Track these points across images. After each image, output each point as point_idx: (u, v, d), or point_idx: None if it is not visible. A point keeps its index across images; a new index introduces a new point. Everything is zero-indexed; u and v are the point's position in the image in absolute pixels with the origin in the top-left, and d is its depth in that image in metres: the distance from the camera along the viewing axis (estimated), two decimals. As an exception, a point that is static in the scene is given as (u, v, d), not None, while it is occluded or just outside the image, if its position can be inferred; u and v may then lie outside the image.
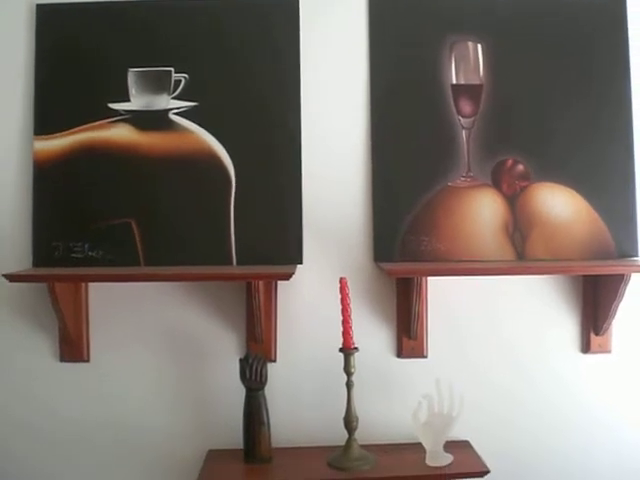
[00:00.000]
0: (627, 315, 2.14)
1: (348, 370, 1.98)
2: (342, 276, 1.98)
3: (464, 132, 2.13)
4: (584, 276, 2.14)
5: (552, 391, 2.18)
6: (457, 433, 2.07)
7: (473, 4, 2.15)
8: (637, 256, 2.13)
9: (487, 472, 1.93)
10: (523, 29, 2.15)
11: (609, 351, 2.17)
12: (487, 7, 2.15)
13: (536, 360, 2.17)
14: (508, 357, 2.17)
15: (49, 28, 2.16)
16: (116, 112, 2.13)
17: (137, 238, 2.11)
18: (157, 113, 2.13)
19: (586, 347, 2.17)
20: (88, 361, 2.14)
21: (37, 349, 2.14)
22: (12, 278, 1.94)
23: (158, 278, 2.00)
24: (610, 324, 2.11)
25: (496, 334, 2.17)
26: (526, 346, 2.17)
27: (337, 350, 1.97)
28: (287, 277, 1.93)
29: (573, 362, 2.18)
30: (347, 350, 1.98)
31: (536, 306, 2.17)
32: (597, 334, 2.15)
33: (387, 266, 2.00)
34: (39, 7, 2.15)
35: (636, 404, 2.19)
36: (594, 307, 2.14)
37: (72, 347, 2.12)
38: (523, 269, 2.05)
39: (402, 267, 2.02)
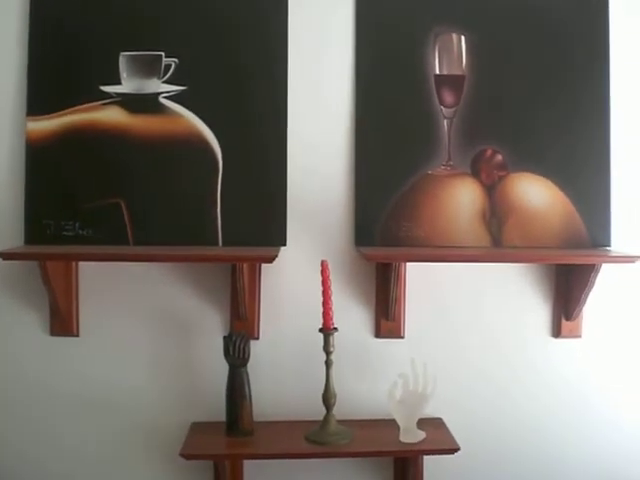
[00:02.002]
0: (597, 302, 2.22)
1: (327, 349, 2.06)
2: (323, 259, 2.06)
3: (446, 122, 2.19)
4: (557, 264, 2.22)
5: (524, 372, 2.27)
6: (431, 411, 2.16)
7: (458, -4, 2.21)
8: (610, 246, 2.21)
9: (457, 449, 2.03)
10: (506, 22, 2.20)
11: (579, 336, 2.26)
12: (471, 0, 2.20)
13: (509, 343, 2.26)
14: (482, 339, 2.25)
15: (42, 10, 2.19)
16: (108, 94, 2.18)
17: (126, 218, 2.17)
18: (147, 96, 2.18)
19: (557, 332, 2.25)
20: (78, 335, 2.21)
21: (28, 323, 2.21)
22: (5, 256, 2.00)
23: (147, 259, 2.07)
24: (581, 310, 2.20)
25: (471, 317, 2.25)
26: (500, 329, 2.26)
27: (317, 330, 2.05)
28: (270, 260, 2.00)
29: (544, 346, 2.27)
30: (326, 330, 2.06)
31: (510, 291, 2.25)
32: (568, 319, 2.23)
33: (367, 251, 2.08)
34: (33, -11, 2.20)
35: (603, 385, 2.29)
36: (566, 294, 2.22)
37: (62, 322, 2.19)
38: (497, 257, 2.13)
39: (381, 252, 2.09)
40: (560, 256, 2.11)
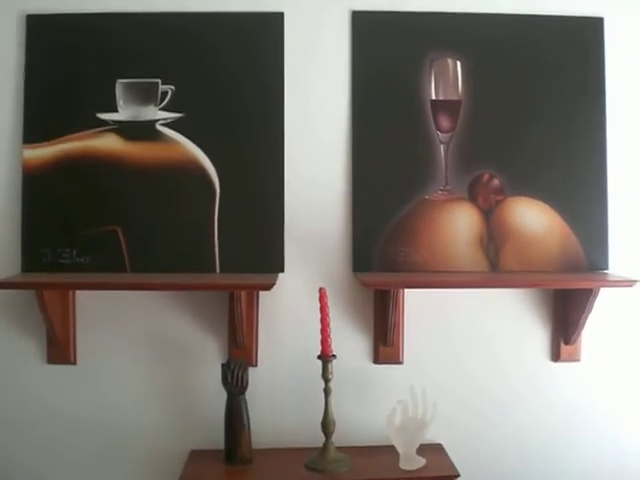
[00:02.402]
0: (596, 325, 2.22)
1: (326, 377, 2.06)
2: (321, 286, 2.05)
3: (442, 147, 2.20)
4: (555, 289, 2.22)
5: (524, 397, 2.26)
6: (431, 436, 2.15)
7: (453, 22, 2.21)
8: (607, 269, 2.21)
9: (457, 476, 2.02)
10: (501, 46, 2.21)
11: (578, 360, 2.26)
12: (467, 25, 2.21)
13: (508, 368, 2.25)
14: (481, 364, 2.25)
15: (39, 38, 2.20)
16: (104, 122, 2.18)
17: (123, 245, 2.17)
18: (144, 124, 2.19)
19: (556, 356, 2.25)
20: (75, 363, 2.21)
21: (25, 351, 2.20)
22: (2, 285, 2.00)
23: (144, 287, 2.06)
24: (579, 335, 2.20)
25: (470, 342, 2.25)
26: (499, 354, 2.25)
27: (316, 357, 2.05)
28: (268, 288, 2.00)
29: (544, 370, 2.26)
30: (325, 358, 2.05)
31: (509, 316, 2.25)
32: (567, 344, 2.23)
33: (364, 277, 2.08)
34: (29, 17, 2.20)
35: (603, 408, 2.28)
36: (564, 318, 2.21)
37: (59, 350, 2.19)
38: (495, 282, 2.14)
39: (379, 279, 2.09)
40: (558, 281, 2.11)
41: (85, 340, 2.20)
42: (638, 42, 2.27)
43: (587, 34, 2.23)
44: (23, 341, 2.21)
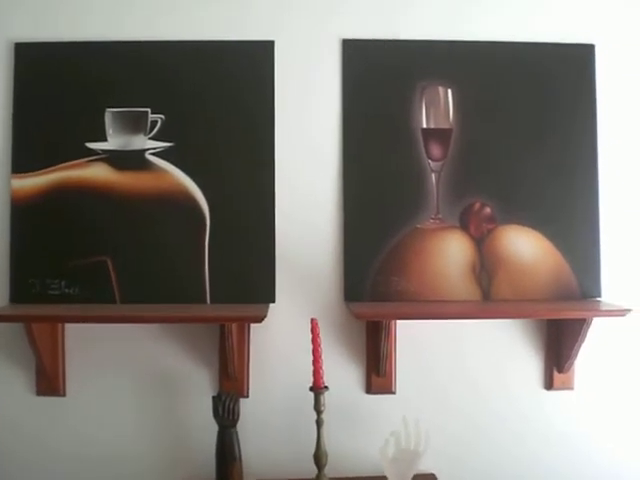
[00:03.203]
0: (589, 353, 2.21)
1: (318, 409, 2.04)
2: (313, 317, 2.04)
3: (433, 175, 2.19)
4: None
5: (517, 425, 2.24)
6: (425, 467, 2.13)
7: (444, 50, 2.20)
8: (600, 296, 2.20)
9: (451, 507, 2.01)
10: (493, 74, 2.21)
11: (571, 388, 2.25)
12: (458, 53, 2.20)
13: (501, 396, 2.24)
14: (474, 394, 2.23)
15: (27, 66, 2.19)
16: (93, 151, 2.17)
17: (113, 276, 2.15)
18: (134, 153, 2.17)
19: (549, 384, 2.24)
20: (64, 395, 2.18)
21: (14, 383, 2.18)
22: (-11, 318, 1.98)
23: (133, 320, 2.04)
24: (573, 363, 2.18)
25: (462, 371, 2.23)
26: (491, 383, 2.24)
27: (308, 388, 2.03)
28: (259, 320, 1.98)
29: (537, 398, 2.25)
30: (317, 389, 2.03)
31: (502, 345, 2.24)
32: (560, 372, 2.21)
33: (356, 308, 2.06)
34: (18, 45, 2.18)
35: (596, 436, 2.26)
36: (557, 347, 2.20)
37: (48, 382, 2.16)
38: (488, 312, 2.12)
39: (370, 310, 2.07)
40: (552, 311, 2.09)
41: (74, 372, 2.18)
42: (629, 69, 2.26)
43: (578, 61, 2.23)
44: (12, 372, 2.18)
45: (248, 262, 2.16)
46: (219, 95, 2.18)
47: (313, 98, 2.21)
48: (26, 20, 2.20)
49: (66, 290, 2.15)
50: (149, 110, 2.17)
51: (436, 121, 2.20)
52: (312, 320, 2.02)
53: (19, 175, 2.16)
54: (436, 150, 2.19)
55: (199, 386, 2.18)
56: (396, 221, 2.17)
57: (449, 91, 2.20)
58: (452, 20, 2.23)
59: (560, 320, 2.17)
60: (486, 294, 2.18)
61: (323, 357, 2.03)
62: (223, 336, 2.05)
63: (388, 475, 2.06)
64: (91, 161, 2.17)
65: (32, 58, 2.19)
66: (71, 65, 2.19)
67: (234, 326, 2.05)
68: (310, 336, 2.02)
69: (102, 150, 2.17)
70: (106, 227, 2.15)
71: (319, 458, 2.05)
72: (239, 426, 2.07)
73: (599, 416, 2.26)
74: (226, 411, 2.06)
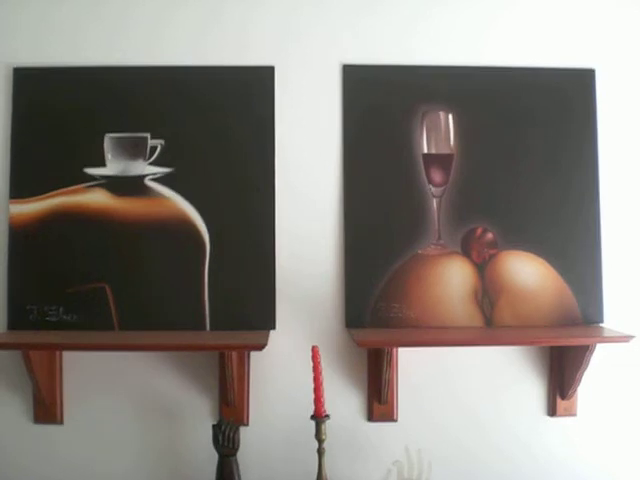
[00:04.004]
0: (592, 379, 2.19)
1: (319, 437, 2.02)
2: (314, 344, 2.02)
3: (435, 200, 2.17)
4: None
5: (520, 452, 2.22)
6: (426, 494, 2.11)
7: (445, 75, 2.20)
8: (602, 322, 2.19)
9: (453, 539, 1.98)
10: (494, 100, 2.20)
11: (574, 414, 2.22)
12: (459, 78, 2.20)
13: (504, 423, 2.21)
14: (477, 421, 2.21)
15: (26, 91, 2.18)
16: (92, 177, 2.15)
17: (111, 303, 2.13)
18: (133, 179, 2.16)
19: (552, 410, 2.21)
20: (62, 423, 2.16)
21: (11, 410, 2.16)
22: (-14, 346, 1.96)
23: (132, 348, 2.03)
24: (576, 389, 2.16)
25: (465, 398, 2.21)
26: (494, 409, 2.21)
27: (309, 416, 2.00)
28: (260, 348, 1.95)
29: (540, 424, 2.22)
30: (318, 418, 2.01)
31: (504, 371, 2.21)
32: (563, 398, 2.19)
33: (358, 336, 2.04)
34: (16, 70, 2.17)
35: (599, 463, 2.24)
36: (560, 373, 2.18)
37: (46, 409, 2.14)
38: (490, 340, 2.10)
39: (373, 338, 2.05)
40: (555, 338, 2.07)
41: (72, 399, 2.15)
42: (629, 93, 2.26)
43: (579, 86, 2.22)
44: (9, 399, 2.16)
45: (248, 288, 2.14)
46: (219, 120, 2.16)
47: (313, 123, 2.20)
48: (25, 45, 2.19)
49: (64, 317, 2.13)
50: (149, 135, 2.16)
51: (437, 146, 2.19)
52: (313, 347, 2.00)
53: (17, 200, 2.14)
54: (437, 175, 2.18)
55: (198, 414, 2.15)
56: (397, 247, 2.16)
57: (450, 116, 2.19)
58: (452, 46, 2.22)
59: (563, 346, 2.15)
60: (488, 320, 2.16)
61: (324, 385, 2.01)
62: (223, 363, 2.03)
63: (390, 504, 2.04)
64: (90, 187, 2.15)
65: (31, 83, 2.18)
66: (70, 90, 2.18)
67: (234, 354, 2.03)
68: (311, 363, 2.00)
69: (101, 176, 2.15)
70: (105, 253, 2.13)
71: (320, 488, 2.03)
72: (239, 455, 2.05)
73: (602, 442, 2.24)
74: (226, 440, 2.03)
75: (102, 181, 2.15)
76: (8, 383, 2.15)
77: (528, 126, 2.20)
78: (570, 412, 2.22)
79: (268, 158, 2.17)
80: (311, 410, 2.01)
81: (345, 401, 2.18)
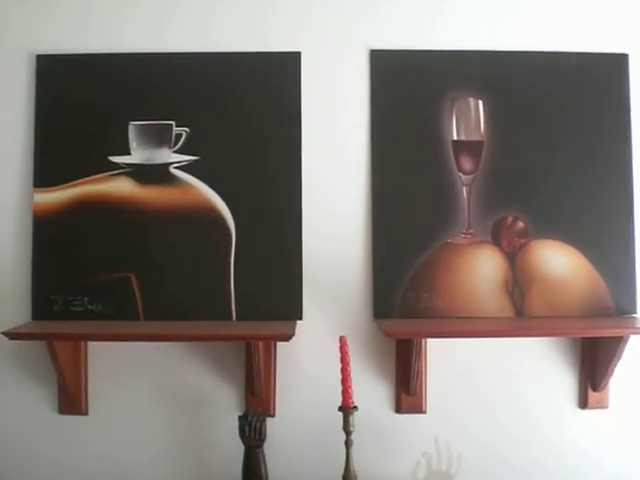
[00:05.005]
0: (625, 371, 2.14)
1: (347, 429, 1.99)
2: (342, 335, 1.98)
3: (465, 189, 2.13)
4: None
5: (552, 445, 2.17)
6: (456, 487, 2.08)
7: (475, 60, 2.15)
8: (636, 313, 2.14)
9: (484, 532, 1.95)
10: (525, 86, 2.15)
11: (606, 407, 2.18)
12: (489, 63, 2.15)
13: (535, 415, 2.17)
14: (506, 413, 2.17)
15: (50, 79, 2.15)
16: (117, 165, 2.13)
17: (137, 292, 2.10)
18: (158, 167, 2.13)
19: (584, 403, 2.17)
20: (87, 414, 2.14)
21: (36, 401, 2.15)
22: (12, 336, 1.93)
23: (158, 338, 2.00)
24: (608, 381, 2.12)
25: (495, 389, 2.17)
26: (524, 401, 2.17)
27: (336, 407, 1.97)
28: (287, 338, 1.92)
29: (571, 417, 2.18)
30: (346, 409, 1.98)
31: (535, 362, 2.17)
32: (595, 390, 2.15)
33: (386, 325, 2.01)
34: (39, 57, 2.15)
35: (630, 456, 2.20)
36: (593, 365, 2.14)
37: (71, 400, 2.12)
38: (522, 331, 2.05)
39: (401, 329, 2.01)
40: (587, 329, 2.03)
41: (97, 390, 2.14)
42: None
43: (612, 71, 2.17)
44: (34, 390, 2.15)
45: (275, 278, 2.11)
46: (245, 108, 2.13)
47: (341, 110, 2.16)
48: (48, 31, 2.17)
49: (89, 306, 2.11)
50: (174, 123, 2.13)
51: (467, 133, 2.14)
52: (341, 338, 1.97)
53: (41, 189, 2.12)
54: (467, 163, 2.13)
55: (224, 405, 2.13)
56: (426, 236, 2.12)
57: (480, 102, 2.14)
58: (482, 30, 2.18)
59: (595, 337, 2.11)
60: (519, 311, 2.12)
61: (352, 375, 1.98)
62: (249, 354, 2.00)
63: (419, 497, 2.01)
64: (114, 175, 2.13)
65: (54, 70, 2.15)
66: (94, 77, 2.15)
67: (260, 344, 2.00)
68: (338, 354, 1.97)
69: (125, 164, 2.13)
70: (129, 242, 2.11)
71: (348, 480, 2.00)
72: (266, 446, 2.02)
73: (635, 435, 2.19)
74: (252, 431, 2.01)
75: (127, 169, 2.12)
76: (33, 373, 2.14)
77: (560, 112, 2.15)
78: (602, 404, 2.17)
79: (295, 146, 2.13)
80: (339, 401, 1.98)
81: (373, 392, 2.15)
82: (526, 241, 2.14)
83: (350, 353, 1.98)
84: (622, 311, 2.14)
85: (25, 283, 2.12)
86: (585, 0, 2.20)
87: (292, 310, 2.10)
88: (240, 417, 2.02)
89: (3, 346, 2.08)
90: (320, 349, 2.11)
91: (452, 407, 2.16)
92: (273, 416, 2.12)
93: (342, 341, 1.98)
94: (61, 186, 2.12)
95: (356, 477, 1.99)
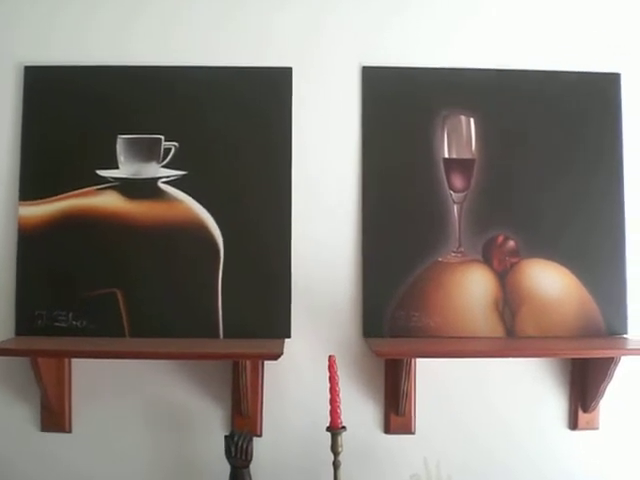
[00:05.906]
0: (615, 392, 2.12)
1: (335, 450, 1.95)
2: (331, 354, 1.95)
3: (456, 207, 2.12)
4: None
5: (541, 467, 2.15)
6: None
7: (466, 78, 2.14)
8: (627, 333, 2.13)
9: None
10: (515, 104, 2.15)
11: (596, 428, 2.16)
12: (481, 81, 2.14)
13: (524, 435, 2.15)
14: (496, 433, 2.15)
15: (37, 90, 2.13)
16: (104, 179, 2.10)
17: (122, 309, 2.07)
18: (146, 181, 2.10)
19: (574, 424, 2.15)
20: (70, 432, 2.10)
21: (17, 418, 2.11)
22: (-7, 352, 1.90)
23: (143, 356, 1.96)
24: (598, 402, 2.10)
25: (484, 410, 2.15)
26: (514, 422, 2.15)
27: (324, 427, 1.94)
28: (275, 358, 1.89)
29: (561, 438, 2.16)
30: (334, 430, 1.94)
31: (525, 382, 2.15)
32: (585, 411, 2.13)
33: (376, 346, 1.98)
34: (27, 69, 2.13)
35: (620, 478, 2.17)
36: (583, 386, 2.12)
37: (54, 417, 2.09)
38: (511, 352, 2.02)
39: (390, 348, 1.99)
40: (578, 350, 2.01)
41: (81, 407, 2.10)
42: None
43: (604, 90, 2.17)
44: (16, 407, 2.11)
45: (263, 296, 2.08)
46: (235, 123, 2.11)
47: (332, 126, 2.15)
48: (36, 43, 2.15)
49: (74, 322, 2.07)
50: (162, 137, 2.11)
51: (458, 151, 2.13)
52: (330, 357, 1.94)
53: (27, 202, 2.09)
54: (458, 181, 2.12)
55: (211, 424, 2.10)
56: (416, 254, 2.10)
57: (471, 120, 2.13)
58: (474, 48, 2.17)
59: (586, 358, 2.09)
60: (509, 330, 2.10)
61: (340, 395, 1.95)
62: (236, 372, 1.97)
63: (408, 520, 1.98)
64: (101, 189, 2.10)
65: (42, 81, 2.13)
66: (82, 89, 2.13)
67: (248, 363, 1.97)
68: (327, 373, 1.94)
69: (113, 178, 2.10)
70: (116, 258, 2.08)
71: (336, 501, 1.97)
72: (252, 467, 1.98)
73: (624, 457, 2.17)
74: (239, 451, 1.97)
75: (114, 183, 2.10)
76: (15, 390, 2.10)
77: (551, 131, 2.14)
78: (592, 426, 2.15)
79: (285, 162, 2.11)
80: (327, 421, 1.95)
81: (362, 412, 2.12)
82: (517, 260, 2.12)
83: (339, 371, 1.95)
84: (613, 331, 2.12)
85: (9, 298, 2.08)
86: (578, 21, 2.20)
87: (280, 328, 2.08)
88: (226, 437, 1.98)
89: (-15, 361, 2.05)
90: (308, 368, 2.08)
91: (442, 428, 2.13)
92: (260, 436, 2.09)
93: (331, 360, 1.95)
94: (47, 199, 2.09)
95: (344, 499, 1.97)
